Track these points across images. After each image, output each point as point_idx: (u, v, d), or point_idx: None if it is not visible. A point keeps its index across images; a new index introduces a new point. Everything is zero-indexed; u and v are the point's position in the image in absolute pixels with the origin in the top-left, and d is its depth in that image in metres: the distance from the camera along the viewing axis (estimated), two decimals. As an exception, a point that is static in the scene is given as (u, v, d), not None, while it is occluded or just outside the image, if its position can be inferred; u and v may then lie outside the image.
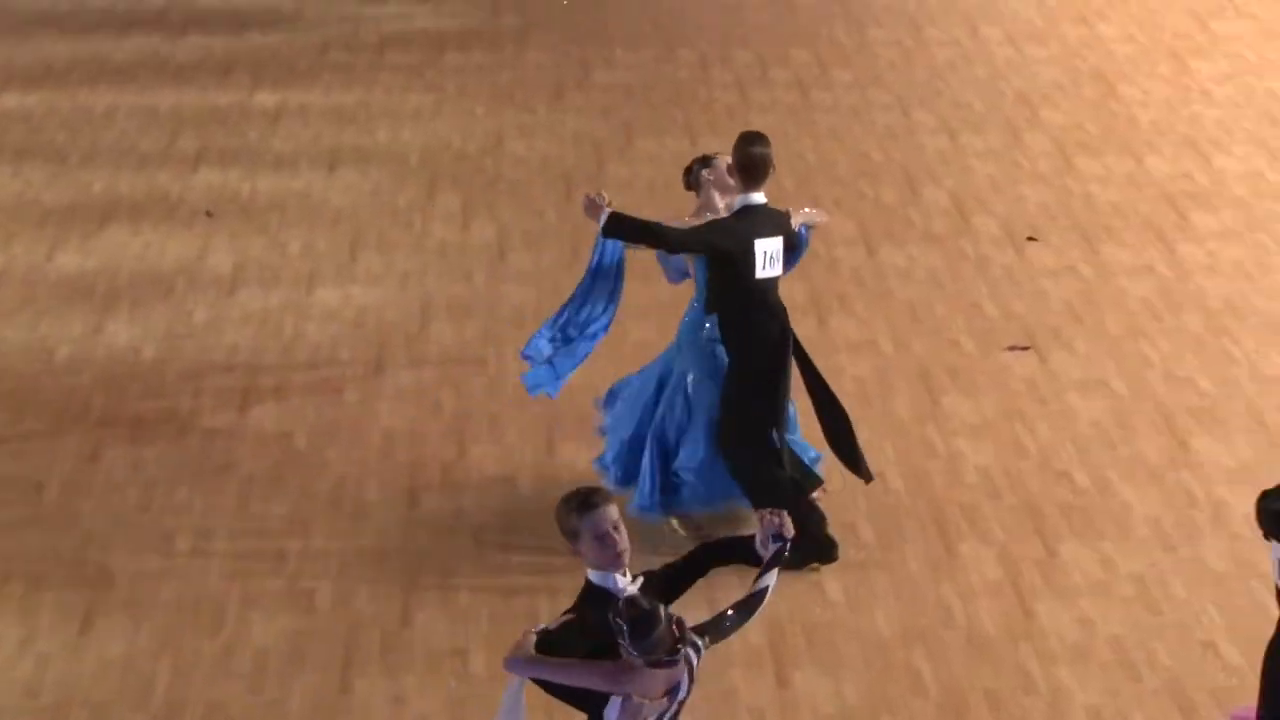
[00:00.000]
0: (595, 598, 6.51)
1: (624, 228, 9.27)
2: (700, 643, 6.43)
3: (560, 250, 12.80)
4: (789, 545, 6.64)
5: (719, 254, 9.23)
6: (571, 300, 9.61)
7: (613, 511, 6.53)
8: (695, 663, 6.41)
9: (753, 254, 9.19)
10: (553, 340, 9.58)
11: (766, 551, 6.65)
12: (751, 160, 9.24)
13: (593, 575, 6.56)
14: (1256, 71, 15.90)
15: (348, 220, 13.26)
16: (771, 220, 9.32)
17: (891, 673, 8.64)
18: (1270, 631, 8.84)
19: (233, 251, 12.81)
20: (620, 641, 6.20)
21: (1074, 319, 11.89)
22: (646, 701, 6.30)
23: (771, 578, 6.62)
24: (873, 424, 10.61)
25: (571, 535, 6.56)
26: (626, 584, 6.53)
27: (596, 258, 9.53)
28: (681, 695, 6.44)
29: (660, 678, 6.28)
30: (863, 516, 9.80)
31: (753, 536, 6.69)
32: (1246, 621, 9.01)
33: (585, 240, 12.86)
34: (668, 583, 6.67)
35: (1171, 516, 9.85)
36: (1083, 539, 9.65)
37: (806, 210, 9.75)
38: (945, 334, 11.70)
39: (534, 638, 6.49)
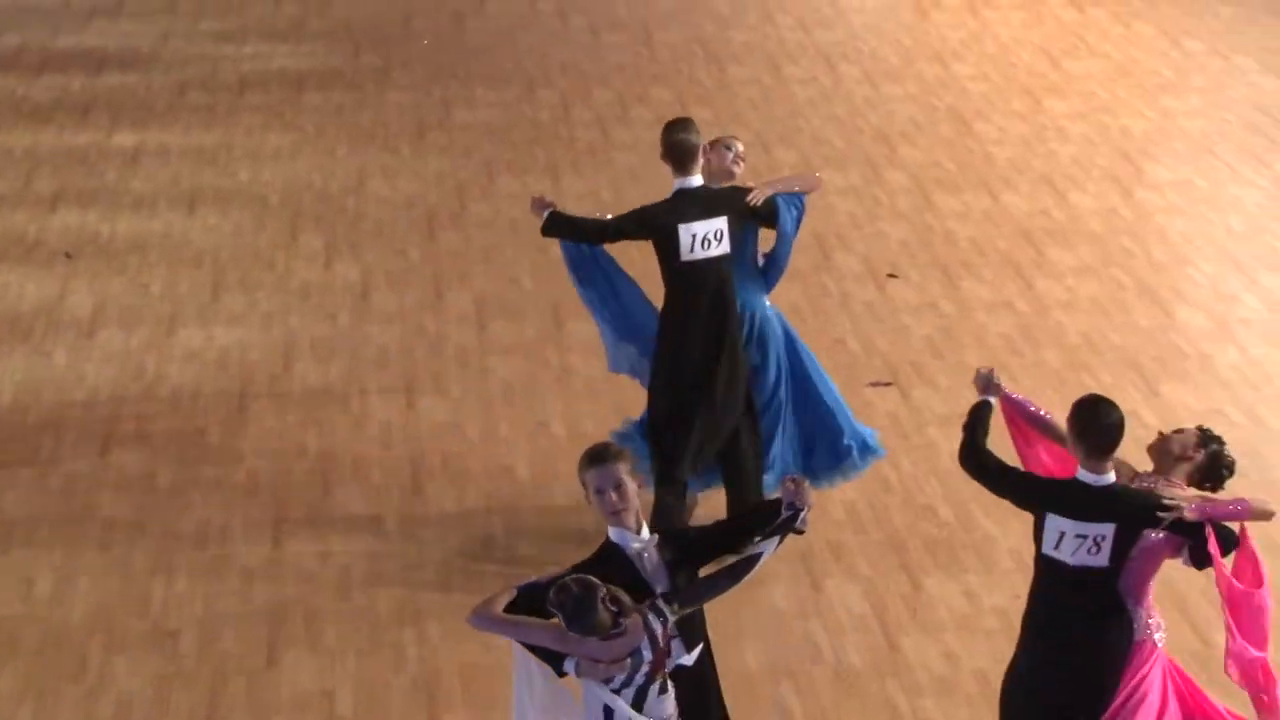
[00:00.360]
0: (606, 552, 6.80)
1: (561, 226, 9.52)
2: (667, 610, 6.60)
3: (424, 290, 12.77)
4: (799, 516, 6.80)
5: (645, 238, 9.50)
6: (596, 314, 9.75)
7: (616, 470, 6.76)
8: (659, 629, 6.59)
9: (676, 237, 9.40)
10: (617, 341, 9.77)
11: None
12: (676, 147, 9.47)
13: (610, 531, 6.82)
14: (1109, 109, 16.15)
15: (209, 260, 13.16)
16: (707, 202, 9.47)
17: (759, 709, 8.66)
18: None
19: (92, 293, 12.68)
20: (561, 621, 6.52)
21: (935, 354, 12.00)
22: (601, 664, 6.53)
23: (770, 545, 6.78)
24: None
25: (583, 486, 6.83)
26: (638, 542, 6.77)
27: (568, 268, 9.68)
28: (647, 657, 6.58)
29: (610, 645, 6.53)
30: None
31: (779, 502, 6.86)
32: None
33: (448, 280, 12.92)
34: (697, 544, 6.89)
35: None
36: (947, 572, 9.74)
37: (786, 176, 9.80)
38: (808, 370, 11.74)
39: (511, 594, 6.72)
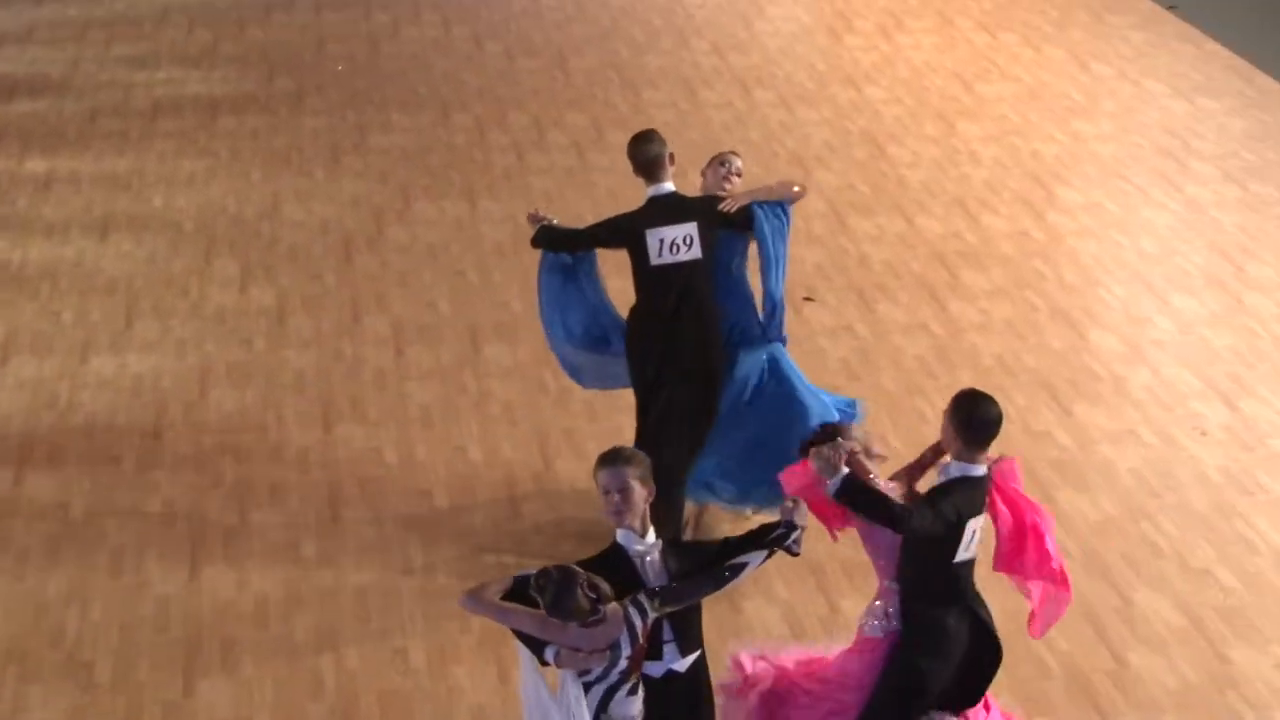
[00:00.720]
0: (610, 552, 6.97)
1: (551, 236, 9.92)
2: (647, 605, 6.75)
3: (340, 314, 12.73)
4: (791, 535, 7.01)
5: (616, 245, 9.86)
6: (554, 328, 10.02)
7: (624, 474, 6.92)
8: (639, 624, 6.75)
9: (643, 242, 9.69)
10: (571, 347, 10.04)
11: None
12: (642, 159, 9.83)
13: (616, 533, 7.00)
14: (1020, 132, 16.27)
15: (122, 287, 13.08)
16: (675, 209, 9.74)
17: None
18: (1045, 684, 9.04)
19: (3, 320, 12.57)
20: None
21: (851, 377, 12.05)
22: (581, 653, 6.71)
23: (756, 557, 6.96)
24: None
25: (595, 484, 7.03)
26: (642, 545, 6.92)
27: (541, 276, 10.00)
28: (626, 651, 6.75)
29: (588, 634, 6.70)
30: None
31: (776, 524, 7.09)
32: (1025, 673, 9.17)
33: (365, 305, 12.87)
34: (704, 557, 7.01)
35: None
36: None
37: (768, 185, 10.01)
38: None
39: (507, 583, 6.84)
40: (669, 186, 9.83)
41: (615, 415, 11.44)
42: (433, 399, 11.65)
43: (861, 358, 12.30)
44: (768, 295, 9.83)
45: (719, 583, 6.94)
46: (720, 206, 9.79)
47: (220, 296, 12.98)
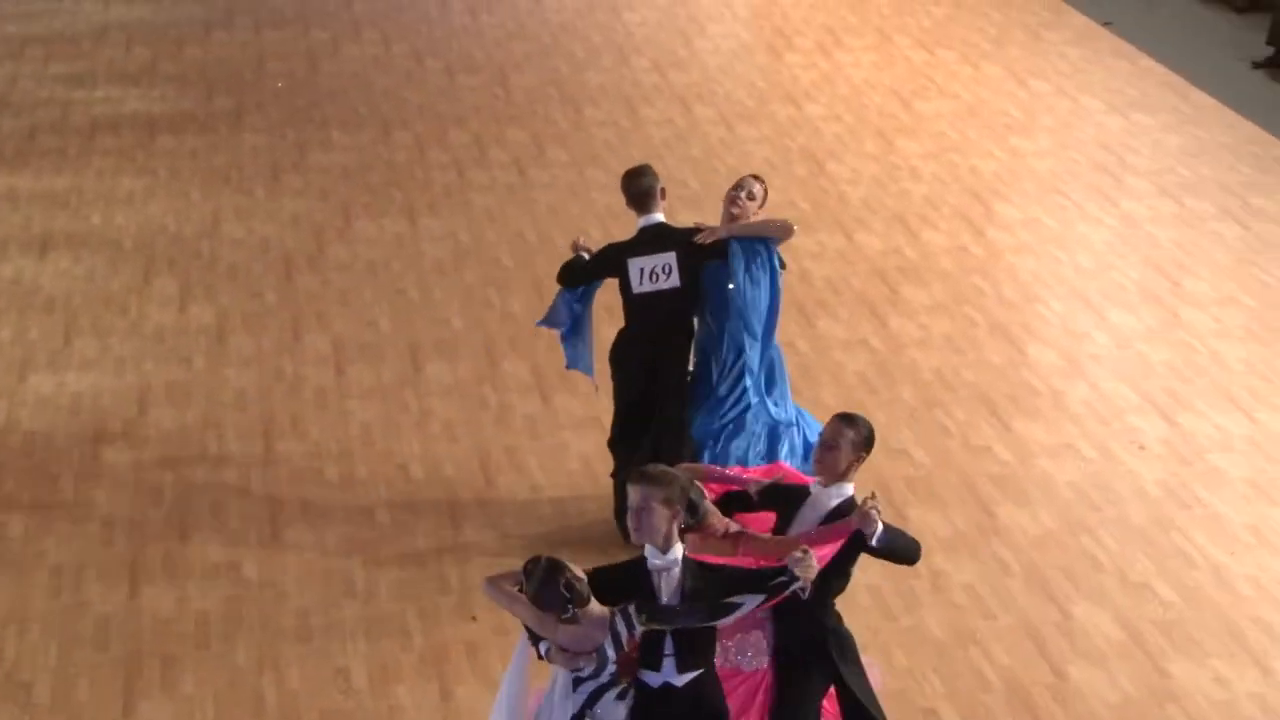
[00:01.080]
0: (633, 561, 7.21)
1: (572, 274, 10.39)
2: (634, 618, 6.99)
3: (281, 332, 12.69)
4: (793, 584, 7.10)
5: (607, 274, 10.35)
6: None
7: (647, 495, 7.09)
8: (624, 633, 7.00)
9: (626, 270, 10.21)
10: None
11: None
12: (634, 191, 10.30)
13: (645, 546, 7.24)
14: (959, 149, 16.34)
15: (61, 306, 13.00)
16: (657, 239, 10.23)
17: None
18: (985, 697, 9.08)
19: (-58, 339, 12.51)
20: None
21: (792, 392, 12.05)
22: (568, 653, 7.01)
23: (753, 600, 7.09)
24: (601, 500, 10.69)
25: None
26: (660, 560, 7.12)
27: (561, 306, 10.49)
28: (611, 656, 7.03)
29: (572, 635, 6.98)
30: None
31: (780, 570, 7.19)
32: (965, 686, 9.20)
33: (306, 323, 12.83)
34: (721, 582, 7.13)
35: (890, 585, 10.03)
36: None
37: (757, 221, 10.25)
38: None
39: (518, 573, 7.12)
40: (658, 217, 10.26)
41: (558, 432, 11.42)
42: (374, 417, 11.62)
43: (802, 373, 12.32)
44: (731, 338, 10.18)
45: (711, 616, 7.08)
46: (696, 238, 10.14)
47: (160, 315, 12.92)
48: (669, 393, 10.23)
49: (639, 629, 7.03)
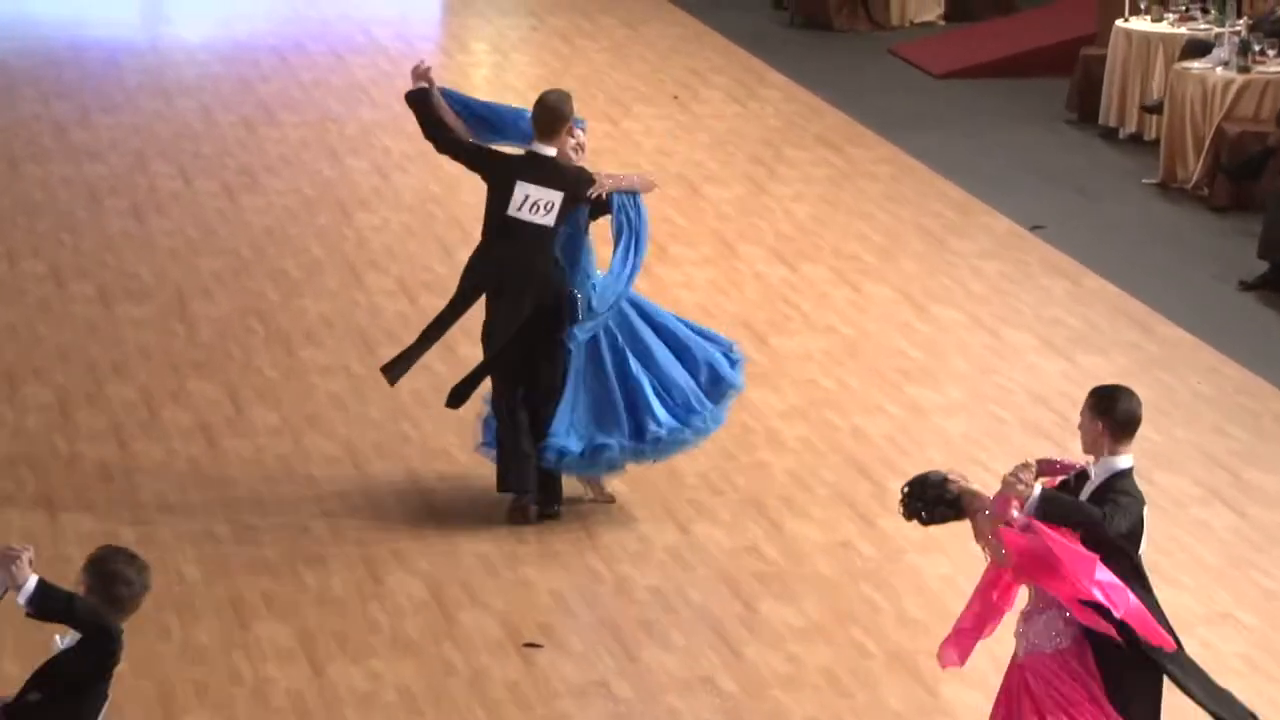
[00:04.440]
0: None
1: (429, 101, 14.32)
2: None
3: None
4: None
5: (482, 174, 14.33)
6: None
7: None
8: None
9: (510, 190, 13.99)
10: None
11: None
12: (539, 114, 14.11)
13: None
14: (836, 403, 16.34)
15: None
16: (550, 172, 14.03)
17: None
18: None
19: None
20: None
21: None
22: None
23: None
24: None
25: None
26: None
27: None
28: None
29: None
30: None
31: None
32: None
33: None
34: None
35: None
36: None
37: (629, 175, 15.04)
38: None
39: None
40: (551, 150, 14.09)
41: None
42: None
43: None
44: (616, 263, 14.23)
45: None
46: (589, 191, 14.08)
47: None
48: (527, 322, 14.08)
49: None
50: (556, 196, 13.97)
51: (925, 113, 24.01)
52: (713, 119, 23.54)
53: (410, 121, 14.87)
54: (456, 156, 14.47)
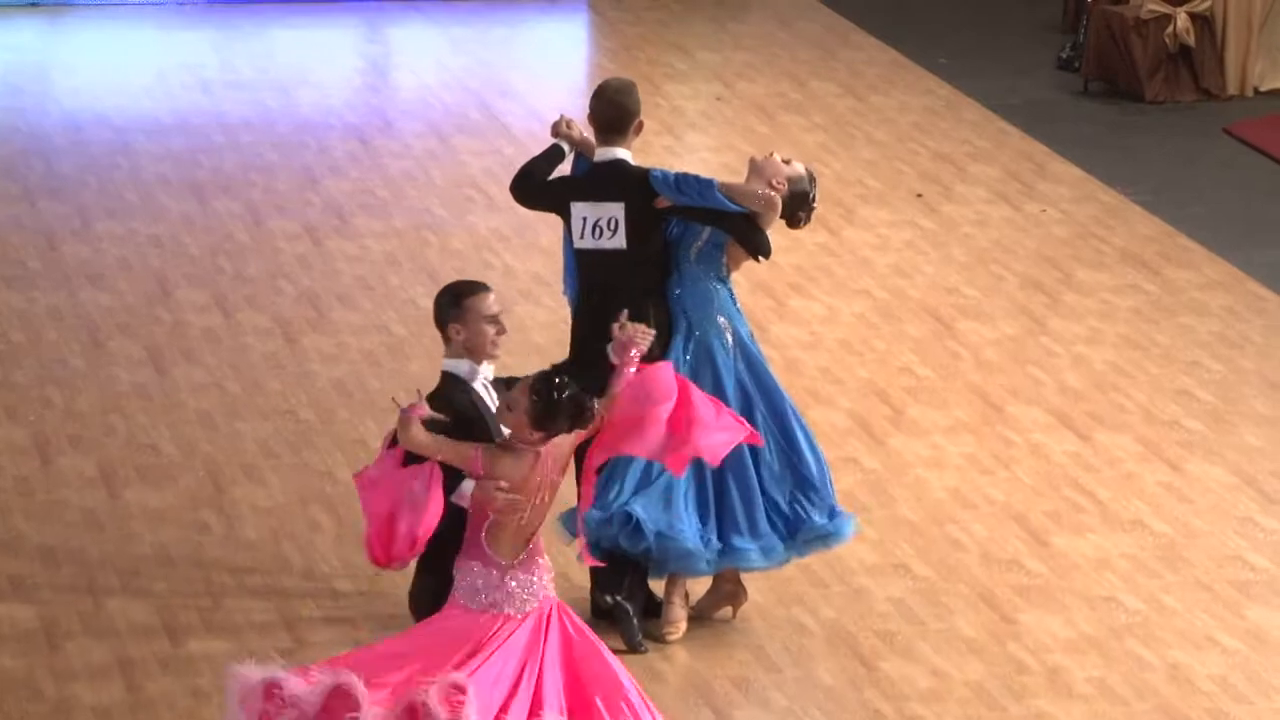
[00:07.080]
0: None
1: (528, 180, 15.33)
2: None
3: None
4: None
5: (552, 210, 15.39)
6: None
7: None
8: None
9: (568, 216, 14.85)
10: None
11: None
12: (598, 109, 14.97)
13: None
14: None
15: None
16: (609, 181, 14.80)
17: None
18: None
19: None
20: None
21: None
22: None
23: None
24: None
25: None
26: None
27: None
28: None
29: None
30: None
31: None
32: None
33: None
34: None
35: None
36: None
37: (761, 164, 15.33)
38: None
39: None
40: (618, 152, 14.90)
41: None
42: None
43: None
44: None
45: None
46: (655, 202, 14.94)
47: None
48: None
49: None
50: (614, 208, 14.68)
51: (1277, 219, 23.98)
52: (972, 226, 23.67)
53: (549, 233, 15.38)
54: (537, 205, 15.44)
